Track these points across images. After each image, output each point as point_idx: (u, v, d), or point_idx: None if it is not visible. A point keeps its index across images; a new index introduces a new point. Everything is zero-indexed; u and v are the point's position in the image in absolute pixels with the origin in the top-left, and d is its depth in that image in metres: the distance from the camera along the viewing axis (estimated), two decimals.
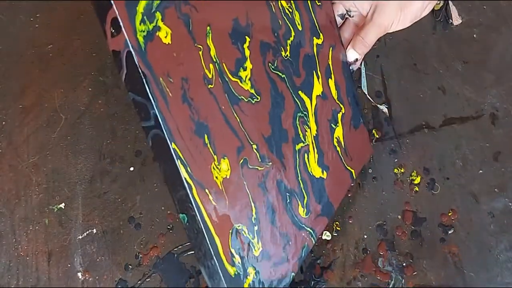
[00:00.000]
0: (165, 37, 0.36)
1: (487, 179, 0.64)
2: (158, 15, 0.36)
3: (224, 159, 0.41)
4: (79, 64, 0.68)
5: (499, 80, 0.69)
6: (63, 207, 0.63)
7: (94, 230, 0.62)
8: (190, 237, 0.40)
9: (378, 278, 0.59)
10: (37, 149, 0.65)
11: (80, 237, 0.62)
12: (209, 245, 0.39)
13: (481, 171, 0.64)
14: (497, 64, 0.70)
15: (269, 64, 0.46)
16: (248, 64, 0.43)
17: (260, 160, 0.45)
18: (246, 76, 0.43)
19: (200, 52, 0.39)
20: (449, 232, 0.61)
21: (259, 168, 0.45)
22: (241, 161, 0.43)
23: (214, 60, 0.40)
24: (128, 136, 0.65)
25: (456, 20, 0.72)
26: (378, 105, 0.68)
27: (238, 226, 0.42)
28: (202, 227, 0.38)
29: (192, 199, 0.38)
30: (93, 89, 0.67)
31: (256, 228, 0.44)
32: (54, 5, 0.71)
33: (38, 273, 0.61)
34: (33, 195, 0.64)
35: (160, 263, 0.60)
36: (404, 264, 0.60)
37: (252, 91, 0.44)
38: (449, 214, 0.62)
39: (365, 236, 0.61)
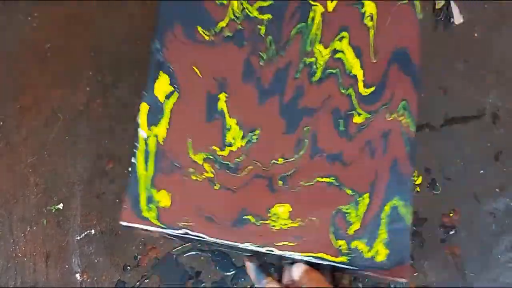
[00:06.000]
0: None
1: (488, 179, 0.63)
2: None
3: None
4: (77, 64, 0.68)
5: (500, 79, 0.69)
6: (61, 208, 0.63)
7: (92, 231, 0.62)
8: None
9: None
10: (35, 150, 0.65)
11: (78, 237, 0.62)
12: None
13: (482, 171, 0.64)
14: (498, 64, 0.69)
15: None
16: None
17: None
18: None
19: None
20: (450, 232, 0.61)
21: None
22: None
23: None
24: (126, 137, 0.65)
25: (458, 19, 0.72)
26: None
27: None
28: None
29: None
30: (91, 89, 0.67)
31: None
32: (52, 5, 0.70)
33: (36, 274, 0.61)
34: (31, 196, 0.63)
35: (159, 264, 0.60)
36: None
37: None
38: (450, 214, 0.62)
39: None
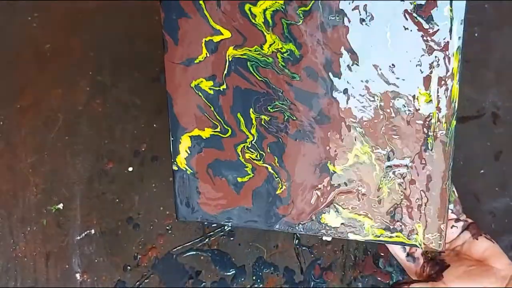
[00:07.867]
0: None
1: (488, 179, 0.63)
2: None
3: None
4: (77, 63, 0.68)
5: (500, 79, 0.69)
6: (61, 208, 0.63)
7: (92, 231, 0.62)
8: None
9: (379, 279, 0.59)
10: (34, 150, 0.65)
11: (78, 238, 0.62)
12: None
13: (482, 171, 0.64)
14: (498, 63, 0.69)
15: None
16: None
17: None
18: None
19: None
20: None
21: None
22: None
23: None
24: (126, 136, 0.65)
25: None
26: None
27: None
28: None
29: None
30: (91, 89, 0.67)
31: None
32: (51, 5, 0.70)
33: (36, 274, 0.61)
34: (31, 196, 0.63)
35: (158, 264, 0.60)
36: None
37: None
38: None
39: None
